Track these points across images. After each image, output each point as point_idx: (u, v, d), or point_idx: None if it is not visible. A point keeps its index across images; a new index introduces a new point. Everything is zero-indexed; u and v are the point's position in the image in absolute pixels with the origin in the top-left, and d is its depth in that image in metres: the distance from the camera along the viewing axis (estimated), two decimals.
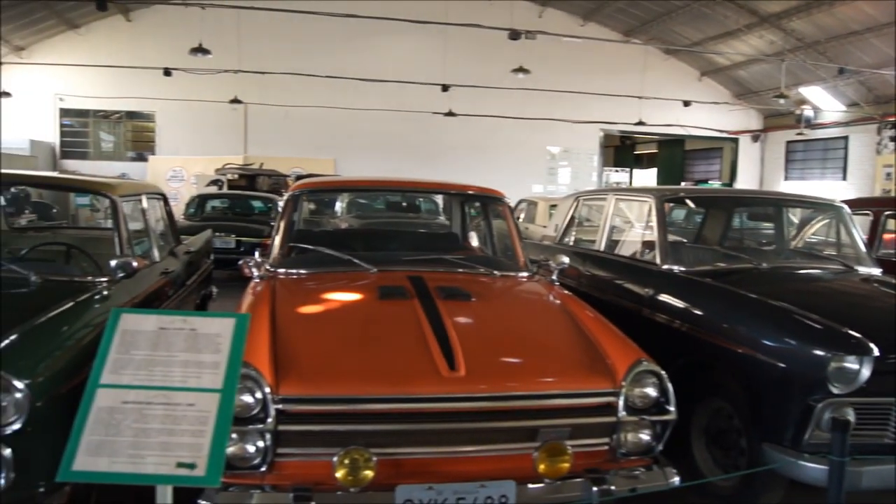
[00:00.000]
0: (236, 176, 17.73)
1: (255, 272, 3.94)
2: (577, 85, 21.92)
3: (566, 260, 4.38)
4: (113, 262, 3.80)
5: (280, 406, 2.68)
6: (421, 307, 3.38)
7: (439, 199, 11.70)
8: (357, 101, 23.05)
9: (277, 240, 4.30)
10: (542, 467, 2.77)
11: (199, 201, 13.11)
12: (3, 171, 5.12)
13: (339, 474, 2.60)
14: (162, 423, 2.06)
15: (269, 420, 2.65)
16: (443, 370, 2.87)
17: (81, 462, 1.98)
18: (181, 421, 2.06)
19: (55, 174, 6.05)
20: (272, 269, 4.06)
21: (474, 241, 5.72)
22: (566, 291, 4.10)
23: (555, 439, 2.82)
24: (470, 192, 5.06)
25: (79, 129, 26.01)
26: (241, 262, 3.96)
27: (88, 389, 2.12)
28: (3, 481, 2.55)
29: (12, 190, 8.36)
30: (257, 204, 13.89)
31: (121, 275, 3.79)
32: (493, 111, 22.55)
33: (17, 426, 2.52)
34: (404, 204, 12.39)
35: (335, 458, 2.61)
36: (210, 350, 2.18)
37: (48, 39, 24.77)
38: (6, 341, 2.75)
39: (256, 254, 4.25)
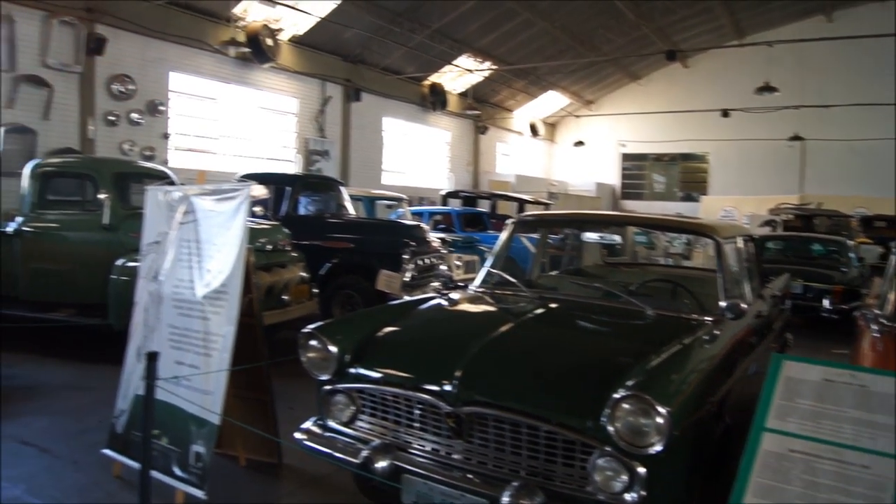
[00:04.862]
0: (791, 216, 17.00)
1: (874, 327, 3.63)
2: None
3: None
4: (723, 303, 3.91)
5: None
6: None
7: None
8: None
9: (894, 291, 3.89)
10: None
11: (759, 242, 12.91)
12: (612, 213, 5.73)
13: None
14: (833, 480, 1.99)
15: None
16: None
17: (751, 501, 2.04)
18: (855, 482, 1.96)
19: (662, 216, 6.60)
20: (890, 324, 3.68)
21: None
22: None
23: None
24: None
25: (636, 172, 28.36)
26: (856, 314, 3.70)
27: (754, 432, 2.19)
28: (636, 496, 2.80)
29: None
30: (816, 247, 13.09)
31: (730, 316, 3.89)
32: None
33: (657, 448, 2.69)
34: None
35: None
36: (884, 410, 2.05)
37: (612, 92, 27.59)
38: (643, 371, 3.02)
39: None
